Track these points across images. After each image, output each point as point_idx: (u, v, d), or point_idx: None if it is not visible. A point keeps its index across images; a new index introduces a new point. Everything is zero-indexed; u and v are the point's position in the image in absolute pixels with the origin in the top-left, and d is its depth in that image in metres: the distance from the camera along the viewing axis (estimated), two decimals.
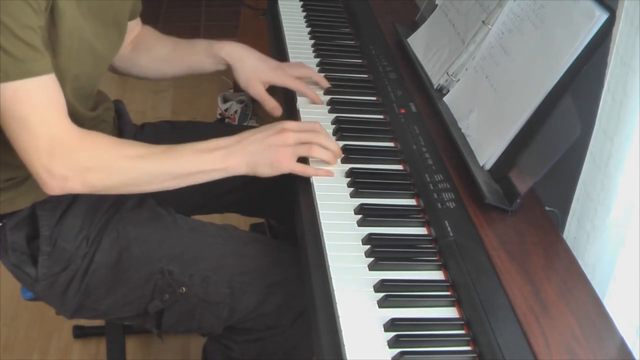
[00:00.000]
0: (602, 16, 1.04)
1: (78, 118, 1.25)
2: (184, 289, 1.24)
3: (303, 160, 1.18)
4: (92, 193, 1.15)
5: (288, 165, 1.16)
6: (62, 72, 1.13)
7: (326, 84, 1.41)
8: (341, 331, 0.90)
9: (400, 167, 1.23)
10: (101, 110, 1.35)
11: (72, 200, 1.25)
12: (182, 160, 1.15)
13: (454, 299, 0.98)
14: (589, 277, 1.03)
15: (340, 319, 0.92)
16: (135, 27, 1.46)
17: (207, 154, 1.15)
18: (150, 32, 1.50)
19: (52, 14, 1.08)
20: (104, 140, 1.14)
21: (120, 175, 1.13)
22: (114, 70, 1.48)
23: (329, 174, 1.18)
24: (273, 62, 1.43)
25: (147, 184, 1.16)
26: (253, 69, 1.40)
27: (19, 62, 1.02)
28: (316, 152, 1.17)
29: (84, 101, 1.27)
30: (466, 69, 1.32)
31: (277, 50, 1.59)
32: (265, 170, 1.16)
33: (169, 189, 1.18)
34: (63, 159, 1.07)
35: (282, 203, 1.45)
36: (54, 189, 1.09)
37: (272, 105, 1.38)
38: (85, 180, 1.10)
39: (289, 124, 1.18)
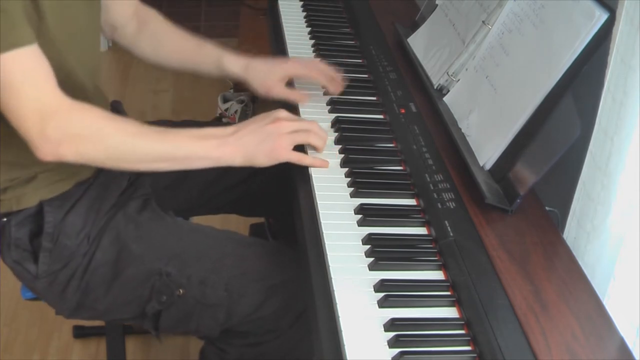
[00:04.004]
0: (602, 16, 1.04)
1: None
2: (181, 290, 1.24)
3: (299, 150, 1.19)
4: (83, 163, 1.15)
5: (285, 154, 1.17)
6: (54, 37, 1.13)
7: (332, 90, 1.38)
8: (341, 331, 0.90)
9: (400, 167, 1.23)
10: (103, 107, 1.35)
11: (77, 198, 1.25)
12: (176, 143, 1.16)
13: (454, 299, 0.97)
14: (589, 277, 1.03)
15: (340, 319, 0.92)
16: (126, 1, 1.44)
17: (201, 140, 1.16)
18: (159, 21, 1.48)
19: None
20: (96, 111, 1.14)
21: (110, 148, 1.13)
22: (115, 42, 1.49)
23: (325, 164, 1.19)
24: (286, 58, 1.44)
25: (138, 162, 1.16)
26: (264, 70, 1.37)
27: (2, 35, 1.03)
28: (313, 139, 1.19)
29: (90, 74, 1.27)
30: (466, 69, 1.32)
31: (277, 50, 1.59)
32: (263, 160, 1.16)
33: (160, 170, 1.20)
34: (56, 123, 1.08)
35: (281, 202, 1.45)
36: (47, 154, 1.10)
37: (297, 96, 1.36)
38: (77, 147, 1.11)
39: (282, 113, 1.19)
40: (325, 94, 1.39)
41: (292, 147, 1.17)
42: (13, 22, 1.05)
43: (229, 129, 1.18)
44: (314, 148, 1.21)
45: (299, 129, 1.18)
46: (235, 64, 1.40)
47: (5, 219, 1.24)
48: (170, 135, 1.17)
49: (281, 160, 1.17)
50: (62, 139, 1.09)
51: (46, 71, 1.10)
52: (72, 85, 1.18)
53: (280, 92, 1.36)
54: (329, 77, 1.38)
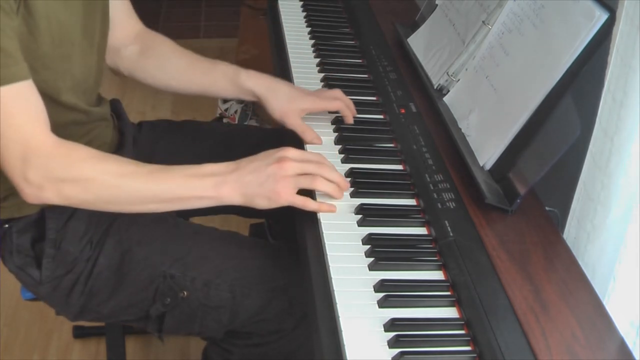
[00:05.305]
0: (602, 16, 1.04)
1: (83, 116, 1.24)
2: (185, 292, 1.23)
3: (306, 192, 1.11)
4: (71, 205, 1.11)
5: (287, 197, 1.08)
6: (51, 62, 1.12)
7: (351, 119, 1.31)
8: (341, 331, 0.90)
9: (400, 167, 1.23)
10: (105, 107, 1.35)
11: None
12: (170, 183, 1.09)
13: (454, 299, 0.97)
14: (589, 277, 1.03)
15: (340, 319, 0.92)
16: (127, 21, 1.40)
17: (198, 179, 1.09)
18: (167, 42, 1.43)
19: (26, 2, 1.05)
20: (83, 151, 1.09)
21: (98, 191, 1.08)
22: (117, 72, 1.44)
23: (332, 209, 1.10)
24: (306, 90, 1.35)
25: (129, 204, 1.11)
26: (288, 96, 1.30)
27: None
28: (320, 185, 1.10)
29: (86, 95, 1.26)
30: (466, 69, 1.32)
31: (277, 50, 1.59)
32: (262, 202, 1.09)
33: (154, 212, 1.14)
34: (38, 166, 1.04)
35: None
36: (30, 197, 1.06)
37: (312, 136, 1.27)
38: (61, 191, 1.06)
39: (291, 152, 1.10)
40: (334, 122, 1.33)
41: (295, 190, 1.08)
42: (1, 58, 1.00)
43: (230, 166, 1.10)
44: (327, 195, 1.11)
45: (306, 172, 1.09)
46: (255, 81, 1.33)
47: (6, 226, 1.23)
48: (165, 175, 1.09)
49: (282, 204, 1.09)
50: (44, 183, 1.04)
51: (34, 109, 1.05)
52: (65, 106, 1.16)
53: (296, 123, 1.28)
54: (345, 105, 1.32)
